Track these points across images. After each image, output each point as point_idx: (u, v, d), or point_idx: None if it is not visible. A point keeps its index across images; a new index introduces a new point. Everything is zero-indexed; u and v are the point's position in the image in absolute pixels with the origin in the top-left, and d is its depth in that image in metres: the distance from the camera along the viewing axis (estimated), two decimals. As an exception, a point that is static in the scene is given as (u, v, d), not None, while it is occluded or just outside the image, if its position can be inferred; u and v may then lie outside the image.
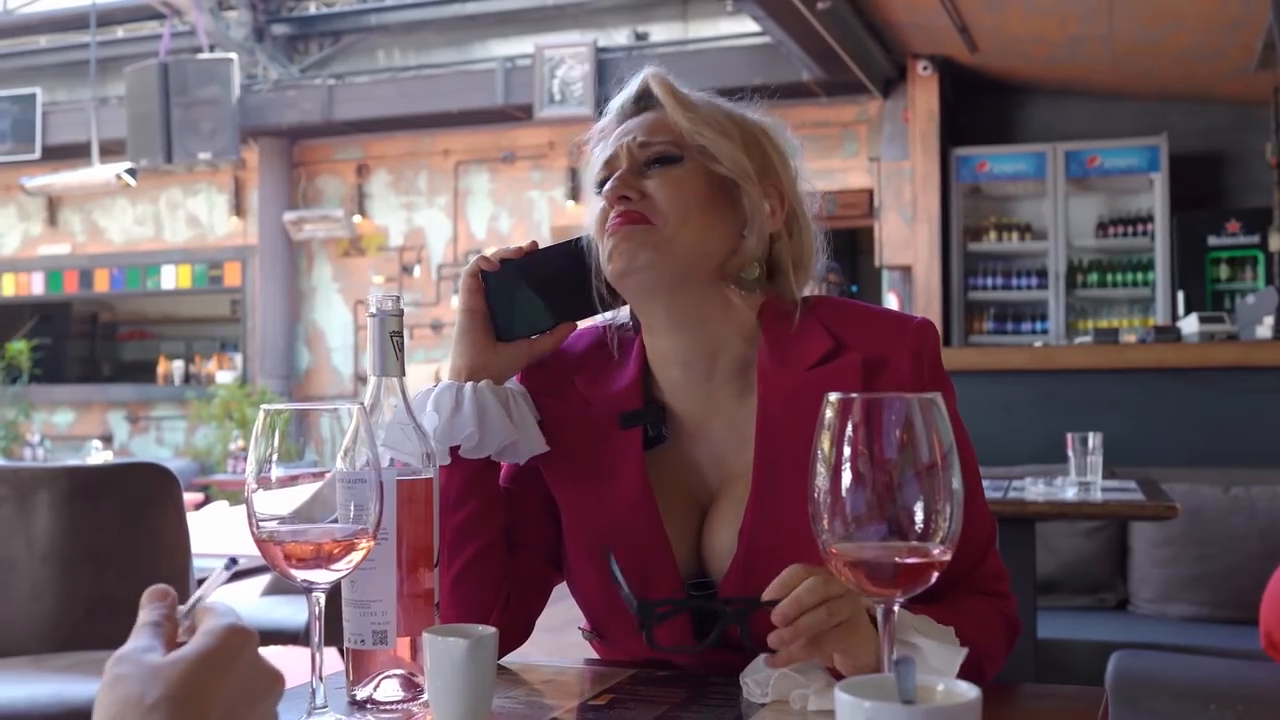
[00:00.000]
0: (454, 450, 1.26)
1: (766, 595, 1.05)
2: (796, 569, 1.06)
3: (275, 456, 0.99)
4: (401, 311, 1.16)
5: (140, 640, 0.71)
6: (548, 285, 1.31)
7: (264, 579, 3.70)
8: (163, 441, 10.90)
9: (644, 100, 1.33)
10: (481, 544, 1.28)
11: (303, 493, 1.01)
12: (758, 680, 1.10)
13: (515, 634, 1.32)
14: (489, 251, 1.33)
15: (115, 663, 0.69)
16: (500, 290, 1.30)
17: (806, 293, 1.34)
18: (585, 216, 1.35)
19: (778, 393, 1.26)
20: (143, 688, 0.66)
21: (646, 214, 1.26)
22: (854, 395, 0.83)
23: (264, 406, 1.00)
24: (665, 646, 1.19)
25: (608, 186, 1.28)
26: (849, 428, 0.83)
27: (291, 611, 3.44)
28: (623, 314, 1.38)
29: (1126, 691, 2.70)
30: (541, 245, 1.35)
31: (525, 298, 1.30)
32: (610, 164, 1.30)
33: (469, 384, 1.27)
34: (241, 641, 0.70)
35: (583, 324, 1.40)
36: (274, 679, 0.72)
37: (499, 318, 1.30)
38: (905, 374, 1.25)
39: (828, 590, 1.03)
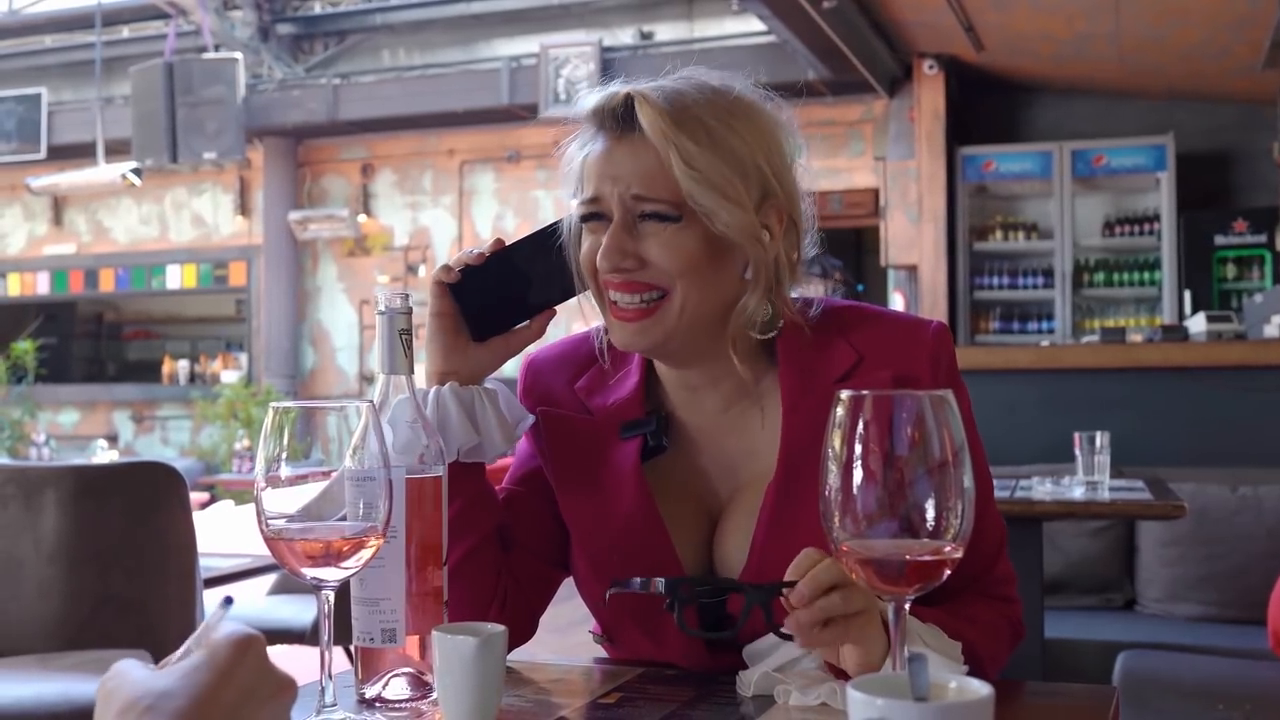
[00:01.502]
0: None
1: (787, 576, 1.05)
2: (810, 552, 1.05)
3: (284, 455, 0.98)
4: (410, 310, 1.16)
5: (130, 661, 0.71)
6: (516, 281, 1.28)
7: (270, 578, 3.69)
8: (168, 441, 10.91)
9: (628, 119, 1.21)
10: (472, 542, 1.27)
11: (311, 491, 1.00)
12: (743, 675, 1.12)
13: (517, 632, 1.31)
14: (452, 259, 1.30)
15: (108, 678, 0.69)
16: (467, 295, 1.27)
17: (812, 290, 1.33)
18: (568, 213, 1.29)
19: (802, 407, 1.24)
20: (138, 693, 0.66)
21: (650, 281, 1.21)
22: (865, 393, 0.83)
23: (273, 405, 1.00)
24: (693, 630, 1.19)
25: (601, 252, 1.21)
26: (860, 425, 0.83)
27: (297, 611, 3.44)
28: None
29: (1134, 691, 2.69)
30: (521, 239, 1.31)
31: (492, 298, 1.27)
32: (598, 200, 1.22)
33: (432, 390, 1.25)
34: (244, 646, 0.69)
35: (584, 326, 1.38)
36: (282, 684, 0.71)
37: (469, 321, 1.28)
38: (926, 384, 1.24)
39: (844, 574, 1.02)
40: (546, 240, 1.29)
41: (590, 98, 1.24)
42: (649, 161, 1.19)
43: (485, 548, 1.28)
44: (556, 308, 1.30)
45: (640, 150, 1.20)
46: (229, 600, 0.75)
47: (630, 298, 1.22)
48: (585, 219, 1.24)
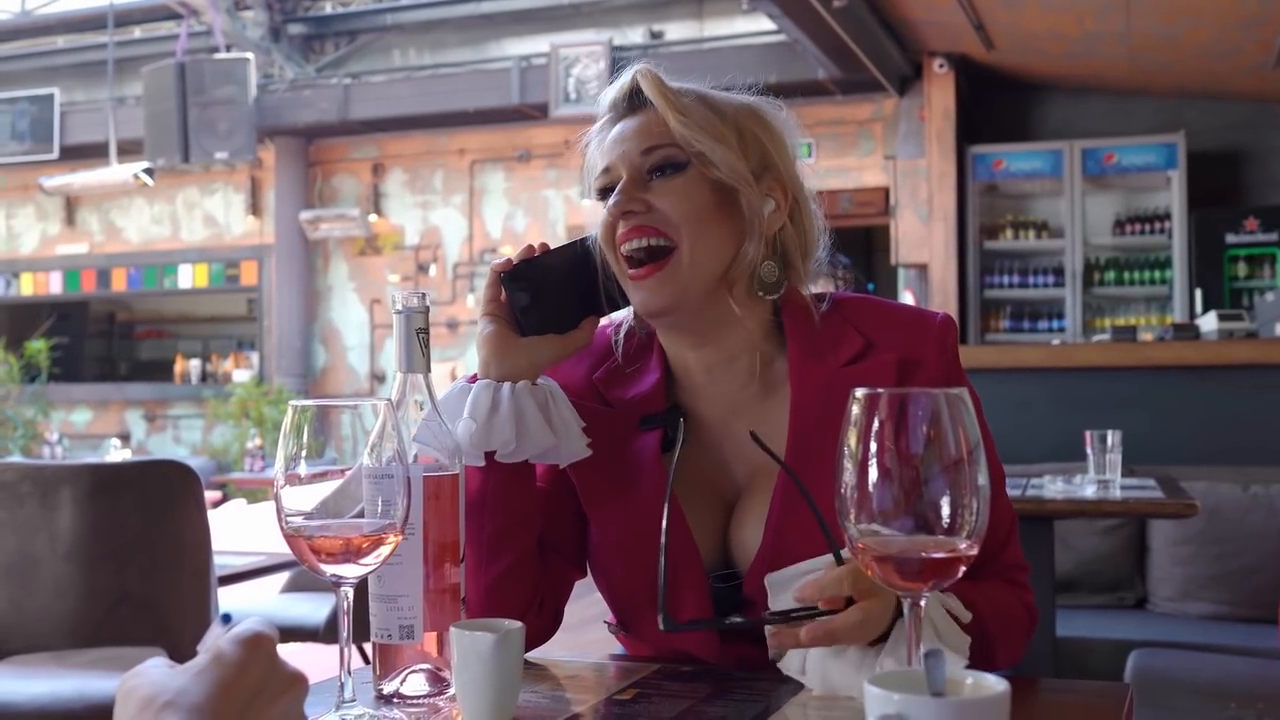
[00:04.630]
0: (489, 453, 1.25)
1: (797, 598, 1.07)
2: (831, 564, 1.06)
3: (304, 453, 0.99)
4: (428, 309, 1.16)
5: (152, 660, 0.72)
6: (562, 283, 1.31)
7: (283, 576, 3.71)
8: (180, 440, 10.95)
9: (636, 98, 1.31)
10: (516, 556, 1.28)
11: (329, 487, 1.01)
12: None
13: (543, 633, 1.34)
14: (506, 253, 1.33)
15: (129, 677, 0.70)
16: (520, 291, 1.28)
17: (820, 288, 1.36)
18: (590, 218, 1.35)
19: (811, 388, 1.28)
20: (155, 690, 0.67)
21: (658, 226, 1.26)
22: (880, 390, 0.84)
23: (293, 403, 1.00)
24: (681, 624, 1.20)
25: (611, 201, 1.27)
26: (875, 423, 0.83)
27: (310, 609, 3.45)
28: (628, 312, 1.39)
29: (1146, 690, 2.69)
30: (553, 245, 1.34)
31: (543, 296, 1.29)
32: (610, 171, 1.30)
33: (506, 385, 1.25)
34: (254, 644, 0.70)
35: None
36: (293, 679, 0.72)
37: (521, 317, 1.28)
38: (935, 370, 1.28)
39: (854, 587, 1.05)
40: (584, 252, 1.33)
41: (607, 92, 1.34)
42: (654, 125, 1.28)
43: (528, 559, 1.29)
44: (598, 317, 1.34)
45: (644, 119, 1.29)
46: (227, 617, 0.76)
47: (640, 242, 1.26)
48: (601, 195, 1.31)
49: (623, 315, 1.39)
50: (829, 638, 1.06)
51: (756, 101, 1.33)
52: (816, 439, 1.25)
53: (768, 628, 1.10)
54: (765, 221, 1.29)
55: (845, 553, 1.07)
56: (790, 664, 1.12)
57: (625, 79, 1.32)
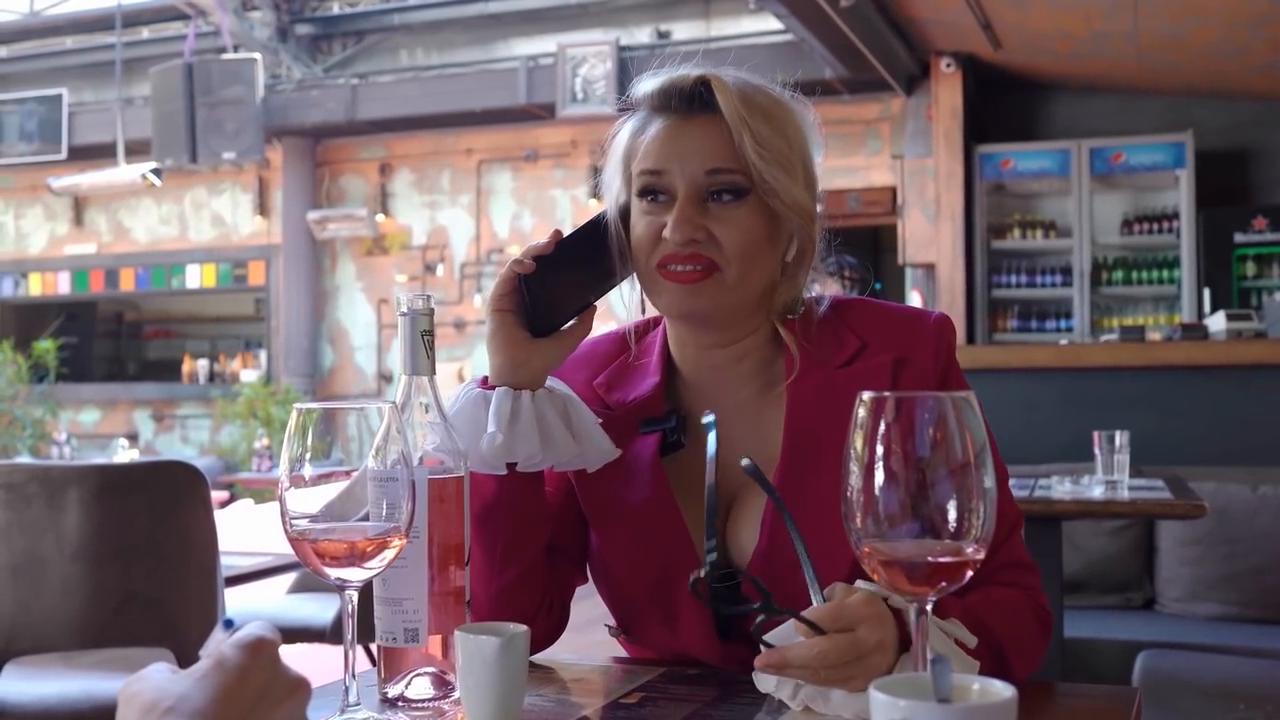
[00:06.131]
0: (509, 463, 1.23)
1: (807, 614, 1.04)
2: (837, 589, 1.05)
3: (308, 455, 0.99)
4: (432, 310, 1.16)
5: (154, 666, 0.72)
6: (577, 272, 1.29)
7: (290, 577, 3.71)
8: (188, 440, 10.96)
9: (699, 101, 1.26)
10: (526, 564, 1.27)
11: (333, 490, 1.01)
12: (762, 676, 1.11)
13: (553, 633, 1.34)
14: (516, 251, 1.31)
15: (131, 682, 0.70)
16: (537, 287, 1.25)
17: (828, 286, 1.36)
18: (607, 201, 1.33)
19: (808, 389, 1.28)
20: (157, 696, 0.67)
21: (713, 258, 1.25)
22: (887, 394, 0.83)
23: (297, 406, 1.00)
24: (731, 608, 1.19)
25: (673, 226, 1.24)
26: (882, 426, 0.83)
27: (318, 609, 3.45)
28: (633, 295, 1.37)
29: (1154, 691, 2.69)
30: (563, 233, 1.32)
31: (559, 289, 1.27)
32: (662, 175, 1.26)
33: (525, 393, 1.23)
34: (256, 648, 0.70)
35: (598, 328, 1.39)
36: (296, 684, 0.72)
37: (539, 314, 1.26)
38: (929, 369, 1.28)
39: (861, 617, 1.03)
40: (593, 233, 1.31)
41: (653, 80, 1.28)
42: (720, 140, 1.24)
43: (538, 566, 1.29)
44: (596, 302, 1.32)
45: (710, 130, 1.25)
46: (229, 623, 0.76)
47: (691, 268, 1.25)
48: (642, 193, 1.28)
49: (635, 312, 1.38)
50: (782, 665, 1.03)
51: (807, 119, 1.30)
52: (811, 440, 1.26)
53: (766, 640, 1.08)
54: (815, 243, 1.30)
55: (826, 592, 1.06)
56: (765, 683, 1.10)
57: (686, 76, 1.26)
